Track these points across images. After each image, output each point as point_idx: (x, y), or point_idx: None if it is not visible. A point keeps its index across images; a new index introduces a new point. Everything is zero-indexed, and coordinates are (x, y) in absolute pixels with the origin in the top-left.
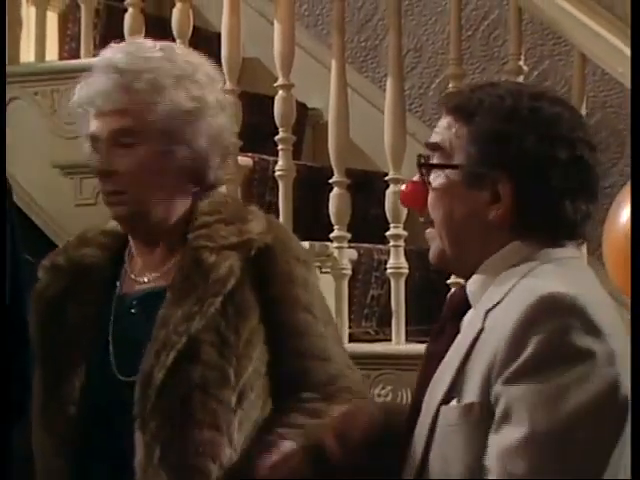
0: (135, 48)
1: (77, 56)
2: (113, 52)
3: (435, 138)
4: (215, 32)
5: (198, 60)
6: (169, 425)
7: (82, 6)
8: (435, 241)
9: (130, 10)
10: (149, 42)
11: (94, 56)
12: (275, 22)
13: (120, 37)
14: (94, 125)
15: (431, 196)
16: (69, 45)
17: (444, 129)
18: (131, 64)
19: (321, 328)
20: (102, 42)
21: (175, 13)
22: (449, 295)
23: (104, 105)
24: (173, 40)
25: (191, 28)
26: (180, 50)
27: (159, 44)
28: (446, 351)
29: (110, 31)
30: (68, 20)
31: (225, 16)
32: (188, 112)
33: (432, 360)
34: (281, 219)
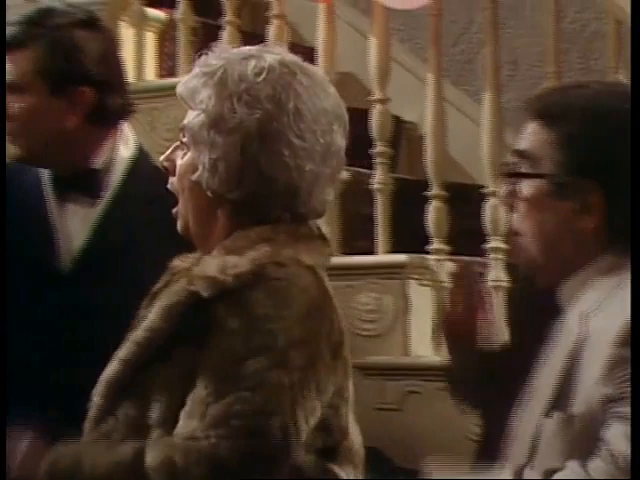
0: None
1: (174, 74)
2: None
3: (522, 145)
4: (309, 47)
5: None
6: None
7: (179, 25)
8: (524, 250)
9: (227, 28)
10: None
11: None
12: (371, 37)
13: None
14: None
15: (521, 205)
16: (167, 64)
17: (531, 135)
18: None
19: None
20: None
21: (271, 29)
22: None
23: None
24: None
25: (287, 44)
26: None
27: None
28: None
29: (207, 49)
30: (165, 39)
31: (320, 31)
32: None
33: None
34: (379, 232)
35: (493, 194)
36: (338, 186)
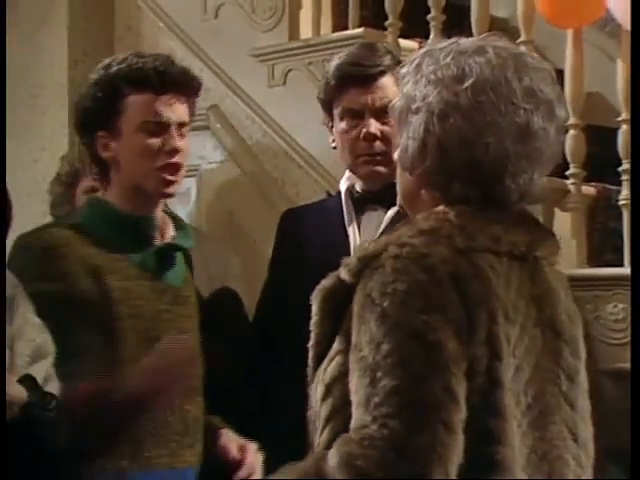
0: None
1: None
2: None
3: None
4: (556, 69)
5: None
6: None
7: None
8: None
9: None
10: None
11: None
12: (619, 60)
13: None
14: None
15: None
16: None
17: None
18: None
19: None
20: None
21: None
22: None
23: None
24: None
25: None
26: None
27: None
28: None
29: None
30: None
31: (569, 54)
32: None
33: None
34: (626, 247)
35: None
36: (584, 200)
